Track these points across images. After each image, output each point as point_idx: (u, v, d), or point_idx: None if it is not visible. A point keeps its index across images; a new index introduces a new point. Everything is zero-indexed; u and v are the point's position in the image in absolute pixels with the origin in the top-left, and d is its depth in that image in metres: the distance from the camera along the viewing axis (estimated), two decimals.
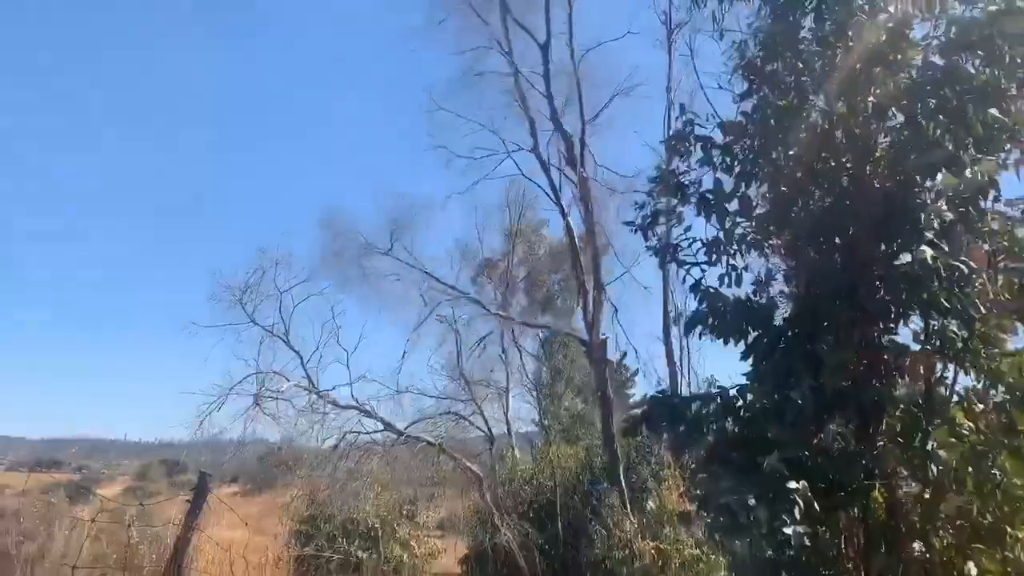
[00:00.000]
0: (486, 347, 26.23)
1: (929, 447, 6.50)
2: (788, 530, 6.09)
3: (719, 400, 7.84)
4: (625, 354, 35.41)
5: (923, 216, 6.54)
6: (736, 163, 8.35)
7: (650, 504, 18.20)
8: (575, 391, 32.68)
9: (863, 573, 6.64)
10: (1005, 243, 7.13)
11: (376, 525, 18.73)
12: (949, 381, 7.17)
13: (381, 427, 17.56)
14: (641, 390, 36.34)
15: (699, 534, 18.06)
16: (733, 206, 8.24)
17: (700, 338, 8.07)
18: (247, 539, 12.91)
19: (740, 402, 7.72)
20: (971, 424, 6.58)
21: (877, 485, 6.82)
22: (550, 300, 32.88)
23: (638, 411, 8.17)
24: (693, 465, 8.60)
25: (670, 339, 23.62)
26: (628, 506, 18.94)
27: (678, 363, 23.80)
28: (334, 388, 17.25)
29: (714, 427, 7.72)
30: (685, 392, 24.82)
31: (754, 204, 8.15)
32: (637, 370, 36.00)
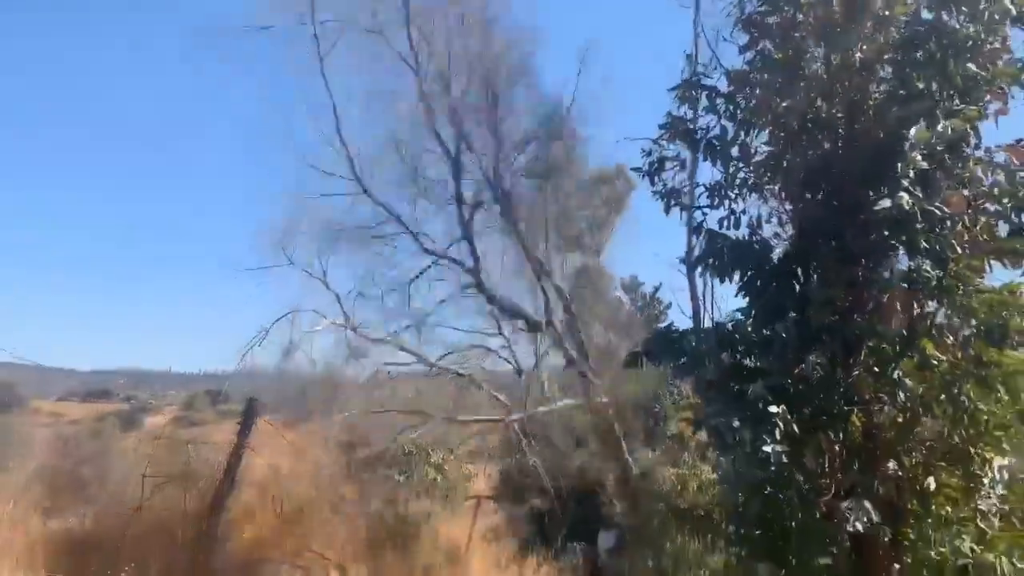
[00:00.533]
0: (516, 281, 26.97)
1: (896, 376, 7.16)
2: (768, 448, 6.85)
3: (715, 334, 8.57)
4: (659, 286, 35.92)
5: (901, 165, 7.08)
6: (739, 111, 8.89)
7: (671, 430, 19.06)
8: (604, 325, 33.34)
9: (838, 488, 7.37)
10: (984, 189, 7.67)
11: (411, 450, 19.84)
12: (927, 317, 7.80)
13: (414, 359, 18.44)
14: (674, 321, 36.84)
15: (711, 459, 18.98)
16: (735, 152, 8.82)
17: (701, 277, 8.74)
18: (291, 465, 14.02)
19: (736, 336, 8.44)
20: (940, 356, 7.20)
21: (855, 411, 7.53)
22: (579, 236, 33.39)
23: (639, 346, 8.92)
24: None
25: (693, 274, 24.13)
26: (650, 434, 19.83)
27: (701, 297, 24.34)
28: (368, 327, 18.12)
29: (711, 360, 8.45)
30: (708, 325, 25.50)
31: (753, 151, 8.71)
32: (670, 303, 36.48)
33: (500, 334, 22.25)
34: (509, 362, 21.64)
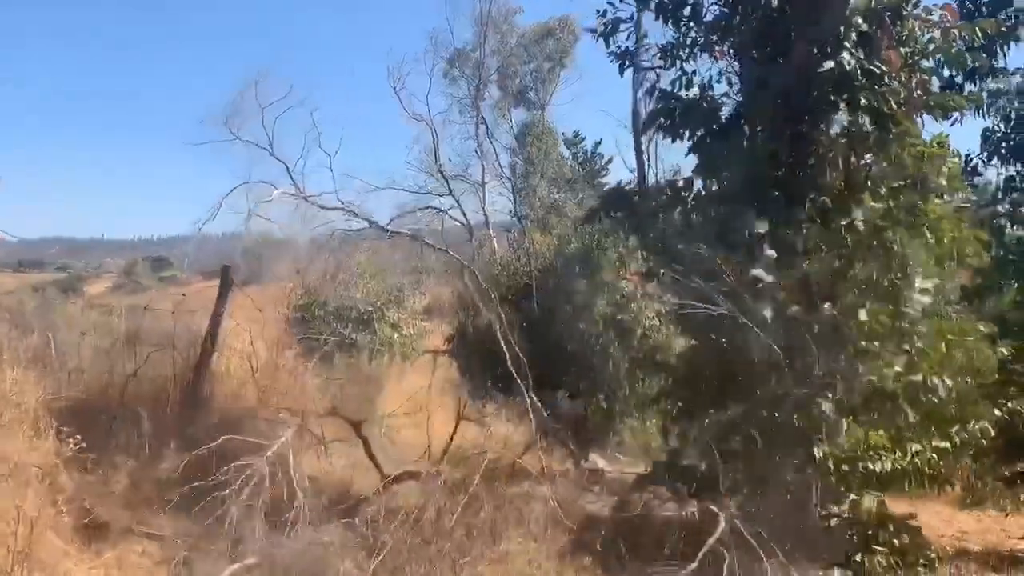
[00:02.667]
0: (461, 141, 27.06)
1: (849, 220, 7.80)
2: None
3: (668, 192, 9.06)
4: (600, 141, 36.07)
5: (843, 28, 7.45)
6: None
7: (622, 284, 19.80)
8: (549, 182, 33.64)
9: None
10: (920, 47, 8.11)
11: (368, 310, 20.36)
12: (864, 170, 8.39)
13: (366, 224, 18.64)
14: (615, 178, 37.20)
15: (660, 308, 19.92)
16: (687, 12, 9.04)
17: (653, 136, 9.12)
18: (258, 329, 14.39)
19: (686, 193, 8.95)
20: (875, 205, 7.83)
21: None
22: (523, 91, 33.16)
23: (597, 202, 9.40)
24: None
25: (638, 127, 24.45)
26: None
27: (646, 152, 24.77)
28: (320, 194, 18.09)
29: (662, 216, 8.98)
30: (652, 181, 26.08)
31: (704, 12, 8.94)
32: (611, 158, 36.81)
33: (449, 194, 22.51)
34: (460, 222, 22.00)
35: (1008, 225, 10.39)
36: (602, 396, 19.20)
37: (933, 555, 8.43)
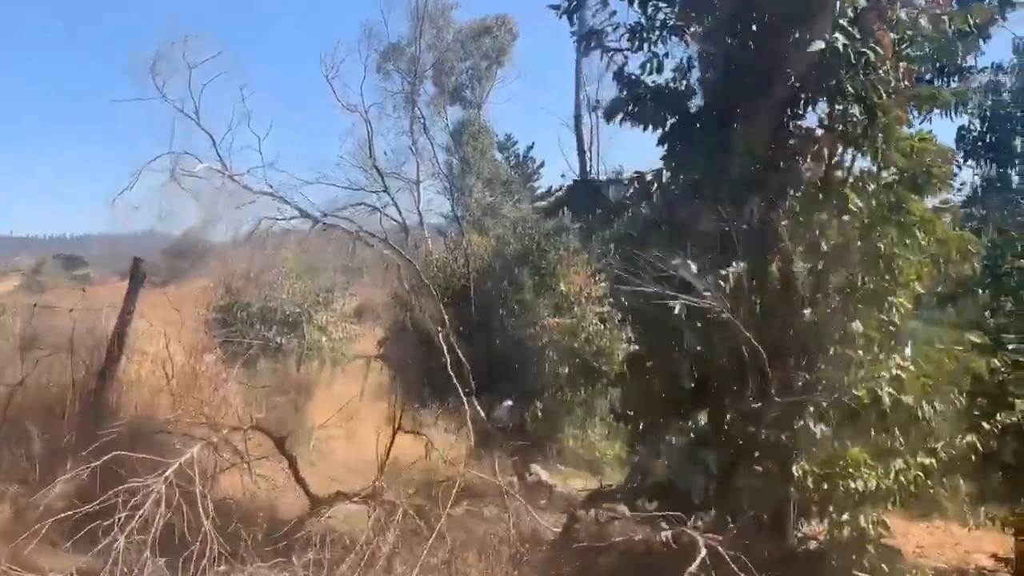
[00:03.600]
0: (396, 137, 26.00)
1: (817, 223, 7.13)
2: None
3: (636, 185, 8.28)
4: (532, 145, 35.58)
5: (840, 4, 6.79)
6: None
7: (561, 287, 19.11)
8: (484, 183, 32.88)
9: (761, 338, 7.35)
10: (909, 32, 7.52)
11: (295, 311, 19.18)
12: (847, 164, 7.76)
13: (296, 214, 17.37)
14: (547, 182, 36.65)
15: (603, 311, 19.32)
16: None
17: (620, 125, 8.35)
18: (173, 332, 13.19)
19: (655, 186, 8.17)
20: (860, 204, 7.19)
21: (775, 261, 7.50)
22: (459, 89, 32.25)
23: (558, 194, 8.52)
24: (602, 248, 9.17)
25: (581, 128, 23.89)
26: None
27: (588, 152, 24.25)
28: (248, 171, 16.72)
29: (630, 212, 8.20)
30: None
31: None
32: (543, 162, 36.28)
33: (384, 190, 21.44)
34: (395, 220, 20.95)
35: (986, 228, 9.98)
36: (540, 404, 18.47)
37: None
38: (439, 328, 12.97)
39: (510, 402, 17.77)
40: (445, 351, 10.31)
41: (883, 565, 7.49)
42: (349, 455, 13.45)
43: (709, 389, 7.95)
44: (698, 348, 7.37)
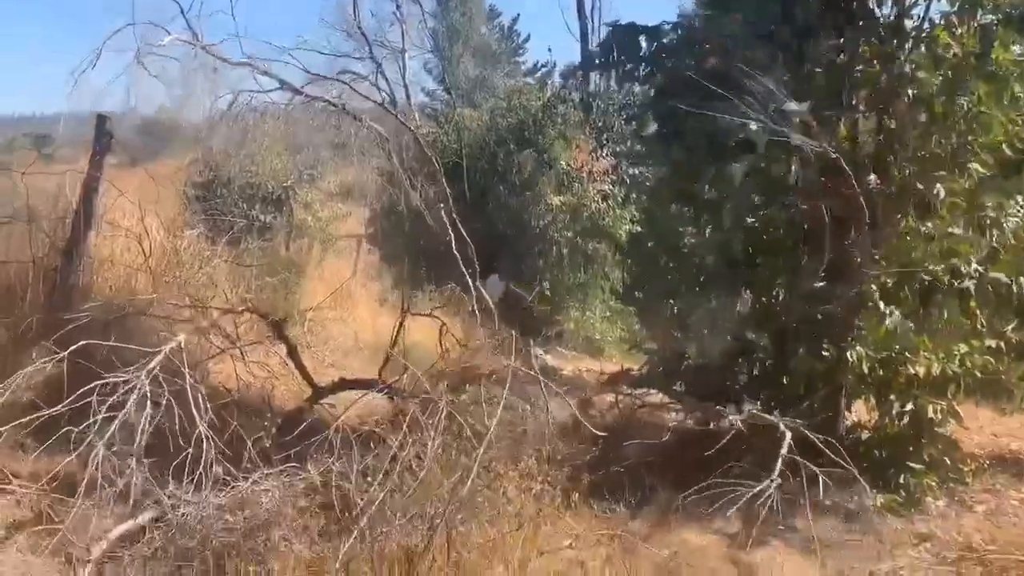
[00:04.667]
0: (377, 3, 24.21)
1: (907, 69, 6.11)
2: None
3: (678, 32, 7.17)
4: (518, 17, 33.75)
5: None
6: None
7: (561, 163, 18.03)
8: (472, 54, 31.18)
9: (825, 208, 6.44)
10: None
11: (282, 188, 18.02)
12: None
13: (277, 85, 15.95)
14: (534, 56, 34.99)
15: (605, 188, 18.36)
16: None
17: None
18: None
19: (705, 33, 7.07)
20: (952, 46, 6.14)
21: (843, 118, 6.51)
22: None
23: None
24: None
25: None
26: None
27: (588, 16, 22.73)
28: (222, 40, 15.22)
29: (670, 62, 7.12)
30: (594, 48, 24.04)
31: None
32: (529, 35, 34.47)
33: (370, 57, 19.82)
34: (381, 91, 19.46)
35: None
36: (541, 285, 17.68)
37: (968, 469, 7.27)
38: (441, 204, 11.95)
39: (497, 276, 16.79)
40: (449, 229, 9.33)
41: (943, 457, 6.87)
42: (345, 338, 12.71)
43: (753, 262, 7.09)
44: (761, 212, 6.42)
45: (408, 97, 24.85)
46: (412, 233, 19.10)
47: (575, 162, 18.54)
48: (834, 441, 6.12)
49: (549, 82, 23.07)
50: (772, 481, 5.16)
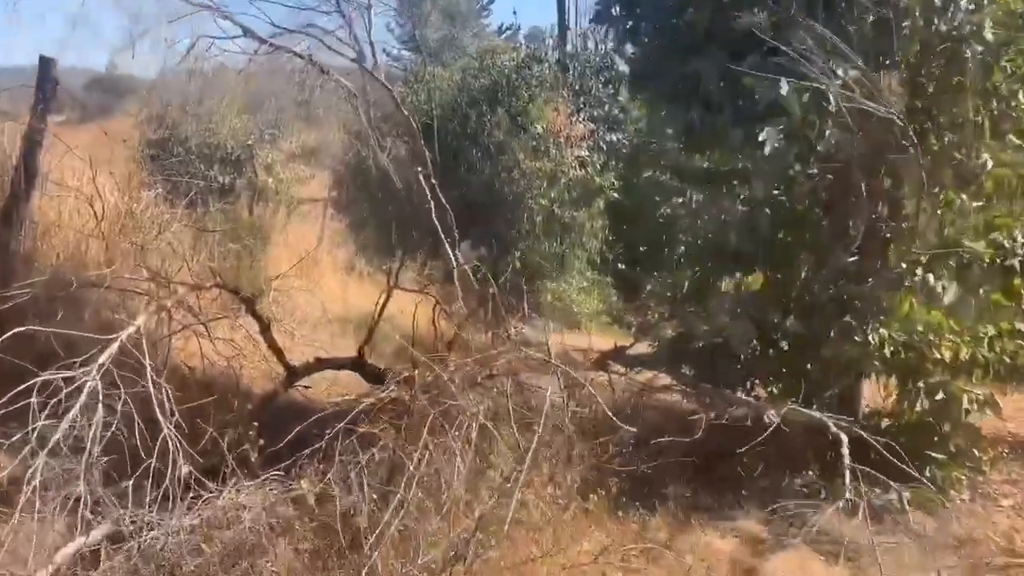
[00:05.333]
0: None
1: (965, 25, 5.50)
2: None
3: None
4: None
5: None
6: None
7: (538, 126, 17.25)
8: (440, 12, 30.12)
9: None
10: None
11: (244, 146, 17.00)
12: None
13: (239, 32, 14.81)
14: (497, 19, 33.93)
15: (583, 154, 17.68)
16: None
17: None
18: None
19: None
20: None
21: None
22: None
23: None
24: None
25: None
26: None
27: None
28: None
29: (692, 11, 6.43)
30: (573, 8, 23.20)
31: None
32: None
33: (337, 11, 18.72)
34: (350, 45, 18.40)
35: None
36: (516, 254, 16.98)
37: (986, 458, 6.84)
38: (419, 168, 11.16)
39: (468, 244, 16.02)
40: (428, 194, 8.64)
41: (969, 447, 6.42)
42: (312, 309, 11.97)
43: (774, 237, 6.51)
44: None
45: (374, 56, 23.76)
46: (381, 198, 18.29)
47: (552, 126, 17.75)
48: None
49: (523, 43, 22.15)
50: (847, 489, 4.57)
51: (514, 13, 69.65)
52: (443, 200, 10.29)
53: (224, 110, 18.21)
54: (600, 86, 19.66)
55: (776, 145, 5.15)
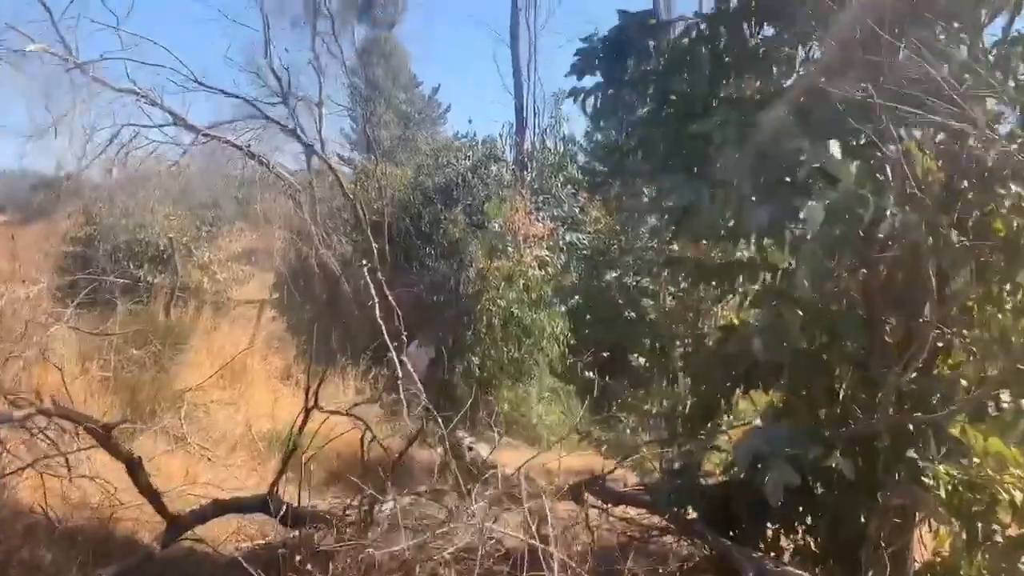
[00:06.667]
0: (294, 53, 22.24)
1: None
2: None
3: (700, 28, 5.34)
4: (438, 87, 32.56)
5: None
6: None
7: (494, 225, 16.17)
8: (396, 111, 29.60)
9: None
10: None
11: (172, 243, 15.52)
12: None
13: (171, 120, 13.56)
14: (453, 127, 33.44)
15: (542, 254, 16.62)
16: None
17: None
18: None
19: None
20: None
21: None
22: (370, 2, 28.51)
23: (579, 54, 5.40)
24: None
25: (518, 45, 20.91)
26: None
27: (525, 72, 21.34)
28: (101, 58, 12.78)
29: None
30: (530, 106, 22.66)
31: None
32: (450, 106, 33.18)
33: (282, 102, 17.64)
34: (298, 136, 17.28)
35: None
36: (470, 360, 15.54)
37: None
38: (365, 263, 9.83)
39: (416, 343, 14.48)
40: (375, 296, 7.32)
41: None
42: (235, 426, 10.33)
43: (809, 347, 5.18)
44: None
45: (324, 150, 22.82)
46: (325, 299, 16.90)
47: (510, 224, 16.66)
48: None
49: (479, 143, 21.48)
50: None
51: (469, 121, 70.34)
52: (391, 299, 8.84)
53: (156, 205, 16.87)
54: (559, 185, 18.86)
55: (823, 226, 3.88)
